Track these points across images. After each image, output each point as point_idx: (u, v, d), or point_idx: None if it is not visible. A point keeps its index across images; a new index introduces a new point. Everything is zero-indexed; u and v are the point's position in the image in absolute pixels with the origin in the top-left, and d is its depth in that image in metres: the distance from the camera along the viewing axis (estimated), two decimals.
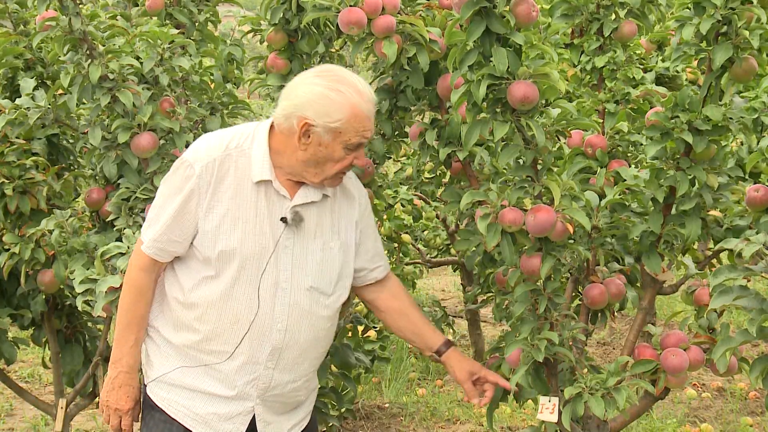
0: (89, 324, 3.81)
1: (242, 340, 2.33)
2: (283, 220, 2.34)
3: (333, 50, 3.09)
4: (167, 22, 3.56)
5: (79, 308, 2.91)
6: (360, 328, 3.88)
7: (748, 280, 2.19)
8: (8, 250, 3.26)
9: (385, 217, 5.06)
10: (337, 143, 2.28)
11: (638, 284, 2.74)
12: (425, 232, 5.83)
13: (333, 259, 2.41)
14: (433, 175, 4.21)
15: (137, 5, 3.78)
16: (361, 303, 3.21)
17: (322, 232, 2.40)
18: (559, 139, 2.92)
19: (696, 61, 2.50)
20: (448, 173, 2.80)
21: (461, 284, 5.91)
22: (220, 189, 2.31)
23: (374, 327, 4.18)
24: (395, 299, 2.59)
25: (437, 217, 5.57)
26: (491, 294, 2.94)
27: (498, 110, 2.34)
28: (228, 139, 2.36)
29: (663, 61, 4.24)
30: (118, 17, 3.41)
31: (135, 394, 2.47)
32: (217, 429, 2.38)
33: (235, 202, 2.32)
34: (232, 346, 2.33)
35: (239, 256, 2.30)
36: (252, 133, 2.37)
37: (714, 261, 3.03)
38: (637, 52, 3.59)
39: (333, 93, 2.26)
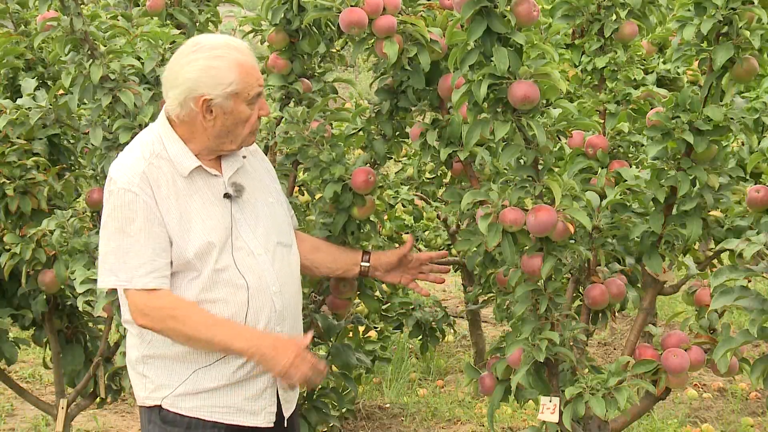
0: (90, 324, 3.81)
1: (246, 320, 2.35)
2: (227, 195, 2.39)
3: (334, 50, 3.09)
4: (168, 22, 3.56)
5: (80, 308, 2.92)
6: (361, 329, 3.88)
7: (749, 281, 2.19)
8: (9, 250, 3.27)
9: (386, 217, 5.06)
10: (239, 104, 2.33)
11: (639, 284, 2.74)
12: (426, 233, 5.82)
13: (277, 211, 2.50)
14: (434, 176, 4.20)
15: (138, 5, 3.78)
16: (362, 303, 3.21)
17: (257, 192, 2.47)
18: (560, 140, 2.92)
19: (697, 62, 2.50)
20: (449, 173, 2.79)
21: (462, 284, 5.91)
22: (161, 197, 2.32)
23: (375, 327, 4.18)
24: (304, 241, 2.67)
25: (438, 217, 5.57)
26: (492, 294, 2.94)
27: (499, 110, 2.34)
28: (140, 152, 2.35)
29: (664, 63, 4.24)
30: (119, 17, 3.41)
31: (291, 336, 2.41)
32: (251, 411, 2.39)
33: (181, 202, 2.33)
34: None
35: (211, 246, 2.32)
36: (156, 137, 2.38)
37: (715, 261, 3.03)
38: (638, 53, 3.59)
39: (215, 61, 2.30)
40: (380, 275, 2.71)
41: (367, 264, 2.68)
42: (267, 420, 2.41)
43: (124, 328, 2.83)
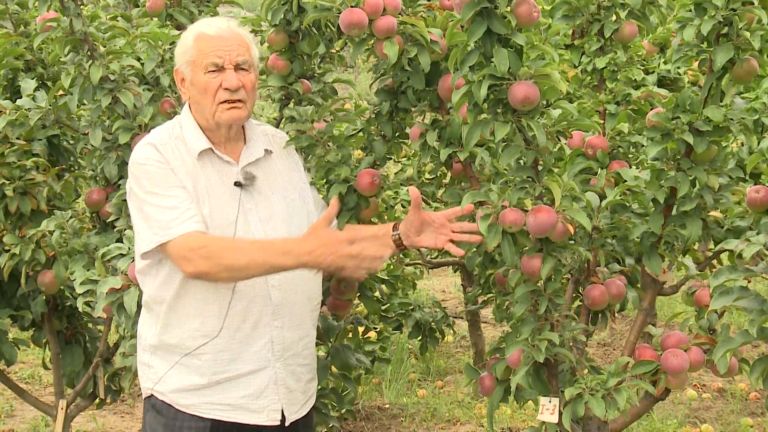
0: (90, 325, 3.81)
1: (228, 309, 2.33)
2: (237, 184, 2.39)
3: (334, 51, 3.09)
4: (168, 23, 3.57)
5: (80, 309, 2.91)
6: (360, 329, 3.88)
7: (749, 281, 2.19)
8: (8, 251, 3.27)
9: (385, 217, 5.06)
10: (197, 72, 2.37)
11: (639, 285, 2.74)
12: None
13: (298, 209, 2.48)
14: (433, 176, 4.20)
15: (138, 6, 3.79)
16: (361, 304, 3.21)
17: (277, 187, 2.46)
18: (560, 140, 2.92)
19: (697, 62, 2.50)
20: (449, 174, 2.79)
21: (462, 285, 5.91)
22: (174, 167, 2.35)
23: (374, 328, 4.18)
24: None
25: None
26: (492, 295, 2.94)
27: (499, 111, 2.34)
28: (160, 132, 2.42)
29: (665, 63, 4.23)
30: (119, 18, 3.41)
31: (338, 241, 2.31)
32: (252, 409, 2.38)
33: (191, 180, 2.35)
34: (221, 320, 2.33)
35: (210, 229, 2.32)
36: (176, 121, 2.46)
37: (714, 262, 3.03)
38: (639, 53, 3.59)
39: (184, 33, 2.42)
40: (415, 240, 2.51)
41: (398, 232, 2.51)
42: (271, 418, 2.40)
43: (124, 328, 2.83)
